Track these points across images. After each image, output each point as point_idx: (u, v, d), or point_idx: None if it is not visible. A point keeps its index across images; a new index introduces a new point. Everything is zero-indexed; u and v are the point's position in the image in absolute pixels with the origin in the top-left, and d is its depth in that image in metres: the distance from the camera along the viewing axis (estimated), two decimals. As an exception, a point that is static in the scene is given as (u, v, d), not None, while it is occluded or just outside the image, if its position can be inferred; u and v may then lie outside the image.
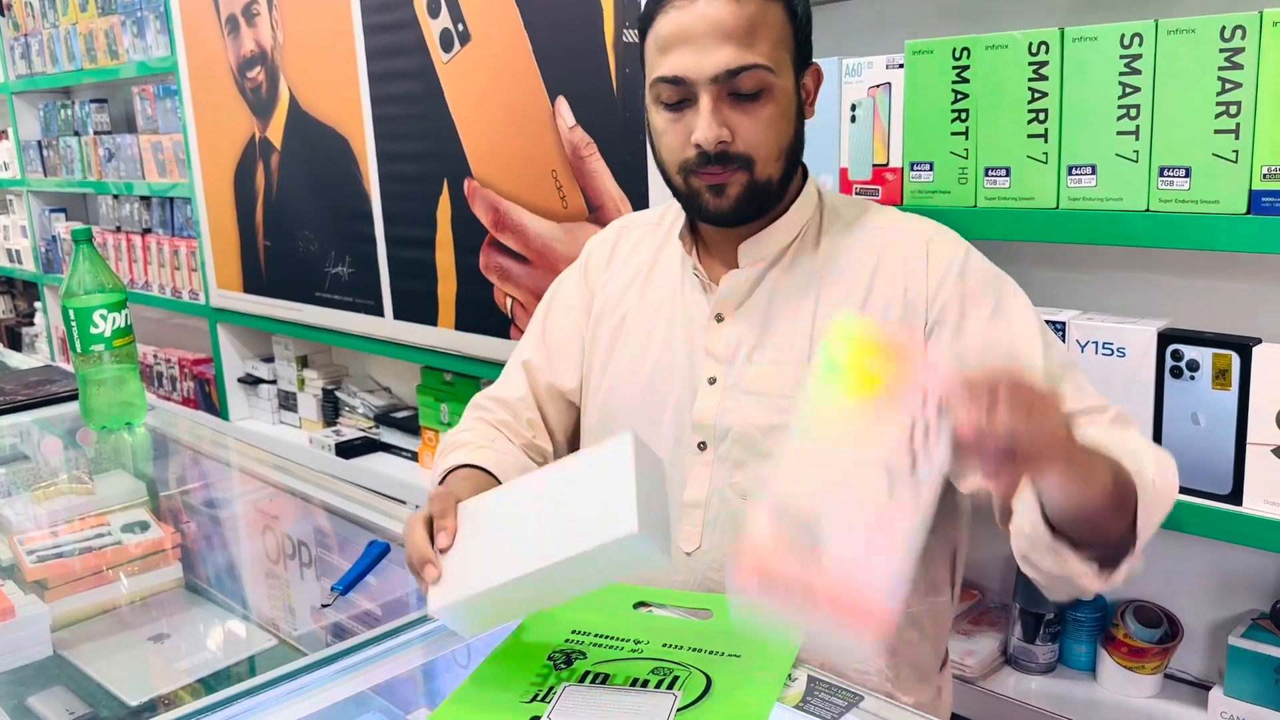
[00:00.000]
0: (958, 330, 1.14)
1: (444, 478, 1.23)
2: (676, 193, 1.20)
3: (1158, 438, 1.34)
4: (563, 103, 1.99)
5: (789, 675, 0.95)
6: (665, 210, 1.35)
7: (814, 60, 1.20)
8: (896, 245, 1.18)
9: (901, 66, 1.51)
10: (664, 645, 0.99)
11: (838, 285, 1.18)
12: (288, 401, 3.12)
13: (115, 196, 3.70)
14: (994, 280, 1.17)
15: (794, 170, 1.20)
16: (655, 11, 1.14)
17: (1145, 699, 1.53)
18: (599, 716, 0.88)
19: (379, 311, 2.56)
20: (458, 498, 1.04)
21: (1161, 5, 1.34)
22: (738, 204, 1.15)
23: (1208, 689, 1.48)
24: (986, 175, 1.46)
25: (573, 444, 1.39)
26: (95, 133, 3.69)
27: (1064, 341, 1.39)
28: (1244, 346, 1.27)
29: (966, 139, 1.47)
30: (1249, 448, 1.28)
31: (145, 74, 3.26)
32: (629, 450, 0.88)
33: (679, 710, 0.88)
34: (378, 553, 1.31)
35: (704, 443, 1.21)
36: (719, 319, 1.22)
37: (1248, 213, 1.25)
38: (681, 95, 1.12)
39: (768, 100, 1.12)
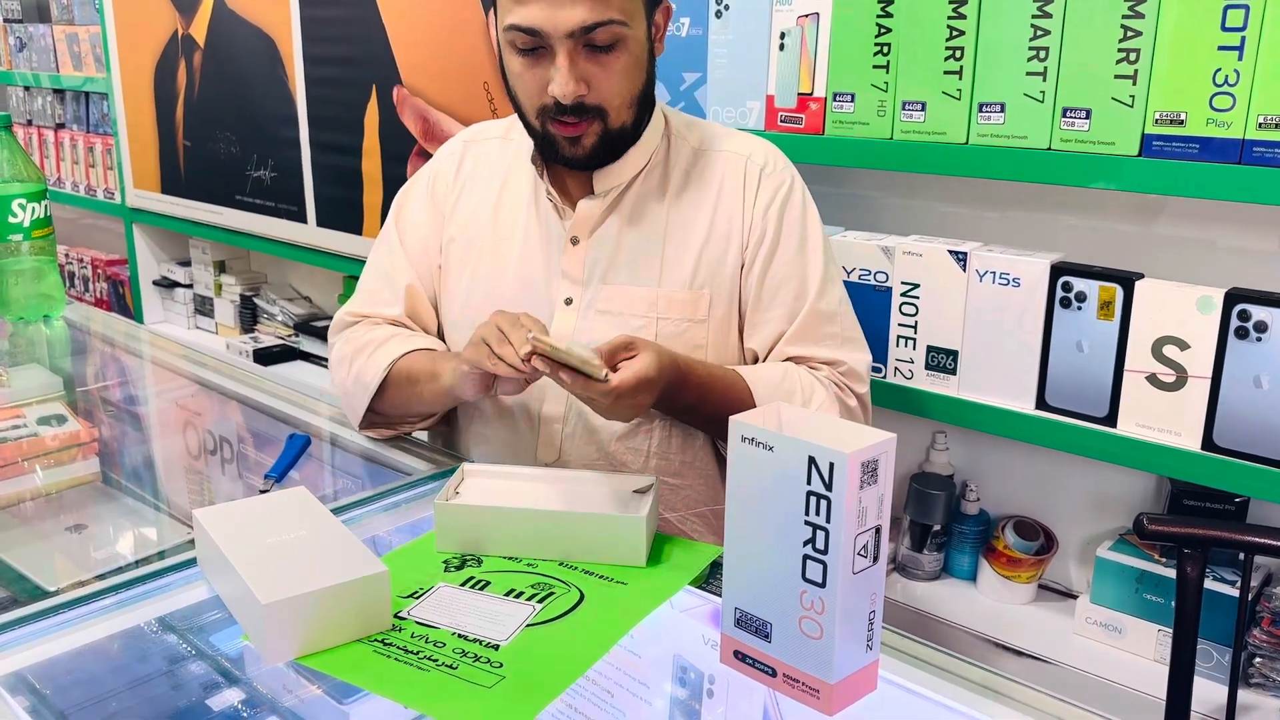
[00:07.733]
0: (769, 259, 1.26)
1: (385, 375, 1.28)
2: (532, 132, 1.23)
3: (1044, 363, 1.44)
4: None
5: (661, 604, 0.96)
6: (512, 123, 1.36)
7: None
8: (734, 172, 1.28)
9: (830, -3, 1.56)
10: (560, 565, 1.03)
11: (685, 210, 1.27)
12: (204, 306, 3.09)
13: (26, 89, 3.57)
14: (804, 216, 1.29)
15: (646, 113, 1.25)
16: None
17: (1020, 606, 1.65)
18: (452, 617, 0.92)
19: (301, 218, 2.54)
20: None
21: (1076, -47, 1.39)
22: (592, 153, 1.20)
23: (1076, 598, 1.60)
24: (903, 109, 1.52)
25: None
26: (4, 20, 3.54)
27: (964, 271, 1.48)
28: (1128, 280, 1.37)
29: (887, 73, 1.52)
30: (1126, 374, 1.38)
31: (60, -39, 3.14)
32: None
33: (540, 623, 0.91)
34: (301, 444, 1.36)
35: None
36: (574, 242, 1.27)
37: (1140, 155, 1.34)
38: (536, 44, 1.14)
39: (621, 51, 1.15)
